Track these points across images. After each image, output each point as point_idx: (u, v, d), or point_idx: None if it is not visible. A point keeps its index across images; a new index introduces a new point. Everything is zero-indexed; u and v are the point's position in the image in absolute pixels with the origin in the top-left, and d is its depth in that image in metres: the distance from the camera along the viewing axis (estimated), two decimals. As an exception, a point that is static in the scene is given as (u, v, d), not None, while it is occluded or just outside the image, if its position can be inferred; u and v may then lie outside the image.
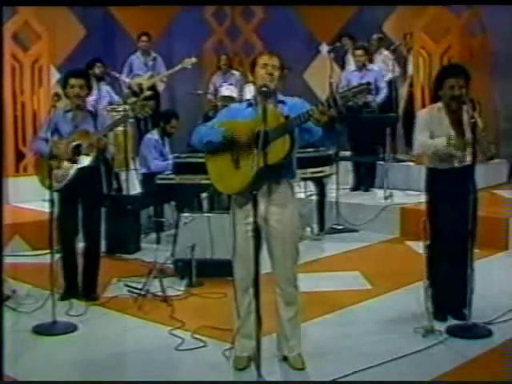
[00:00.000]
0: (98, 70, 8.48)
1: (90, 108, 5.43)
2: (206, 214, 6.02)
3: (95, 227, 5.46)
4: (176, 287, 5.60)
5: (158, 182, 7.03)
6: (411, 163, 8.53)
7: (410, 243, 6.80)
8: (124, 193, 7.49)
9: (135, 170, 7.96)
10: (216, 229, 5.67)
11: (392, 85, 9.38)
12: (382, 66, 9.59)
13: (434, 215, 4.71)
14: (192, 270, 5.68)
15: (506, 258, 6.46)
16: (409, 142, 8.70)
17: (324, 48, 11.02)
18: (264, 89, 3.78)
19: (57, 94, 8.11)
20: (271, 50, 4.06)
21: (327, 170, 7.25)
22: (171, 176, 6.91)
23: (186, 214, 5.93)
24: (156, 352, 4.32)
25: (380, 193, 8.18)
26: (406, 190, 8.09)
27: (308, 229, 7.52)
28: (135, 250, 6.93)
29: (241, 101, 7.84)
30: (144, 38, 9.65)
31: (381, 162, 8.49)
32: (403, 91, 9.65)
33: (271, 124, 3.64)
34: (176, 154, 7.03)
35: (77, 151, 5.18)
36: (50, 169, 4.83)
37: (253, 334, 3.78)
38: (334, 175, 7.56)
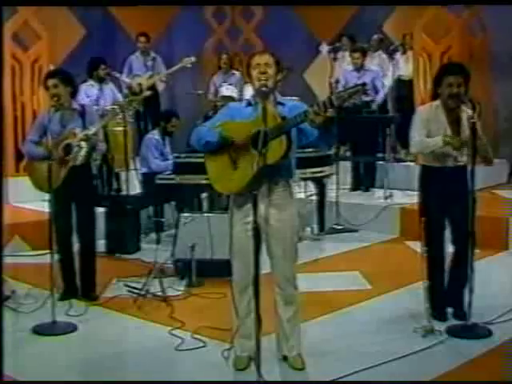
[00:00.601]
0: (102, 71, 8.49)
1: (77, 106, 5.35)
2: (205, 214, 6.02)
3: (89, 227, 5.43)
4: (176, 287, 5.60)
5: (158, 182, 7.03)
6: (411, 163, 8.54)
7: (409, 243, 6.80)
8: (124, 193, 7.49)
9: (135, 170, 7.96)
10: (216, 229, 5.66)
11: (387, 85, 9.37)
12: (378, 68, 9.61)
13: (427, 214, 4.70)
14: (192, 269, 5.68)
15: (506, 258, 6.47)
16: (402, 142, 8.76)
17: (324, 48, 11.03)
18: (263, 88, 3.79)
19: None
20: (264, 50, 4.07)
21: (327, 169, 7.25)
22: (171, 176, 6.91)
23: (186, 214, 5.93)
24: (156, 352, 4.32)
25: (380, 193, 8.19)
26: (405, 190, 8.08)
27: (308, 229, 7.52)
28: (135, 250, 6.93)
29: (241, 100, 7.84)
30: (142, 38, 9.64)
31: (381, 162, 8.50)
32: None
33: (269, 124, 3.65)
34: (176, 154, 7.03)
35: (67, 151, 5.17)
36: (50, 168, 4.81)
37: (252, 334, 3.78)
38: (333, 175, 7.56)
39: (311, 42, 11.42)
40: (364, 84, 3.75)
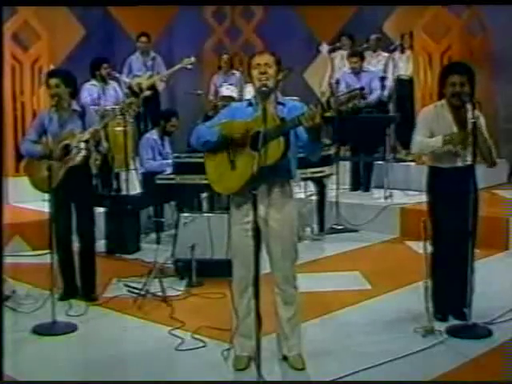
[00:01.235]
0: (104, 70, 8.49)
1: (77, 107, 5.35)
2: (205, 214, 6.02)
3: (88, 227, 5.43)
4: (176, 287, 5.60)
5: (158, 182, 7.03)
6: (411, 163, 8.54)
7: (409, 243, 6.80)
8: (124, 193, 7.49)
9: (135, 169, 7.96)
10: (216, 229, 5.66)
11: (385, 84, 9.36)
12: (379, 67, 9.61)
13: (435, 214, 4.70)
14: (192, 270, 5.68)
15: (506, 258, 6.47)
16: (402, 142, 8.76)
17: (324, 48, 11.02)
18: (263, 89, 3.79)
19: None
20: (265, 50, 4.07)
21: (327, 170, 7.25)
22: (171, 176, 6.92)
23: (186, 214, 5.93)
24: (156, 352, 4.32)
25: (380, 193, 8.18)
26: (405, 190, 8.09)
27: (308, 229, 7.52)
28: (135, 250, 6.93)
29: (241, 100, 7.84)
30: (143, 38, 9.64)
31: (381, 162, 8.50)
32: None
33: (268, 125, 3.65)
34: (176, 154, 7.02)
35: (66, 151, 5.17)
36: (50, 168, 4.81)
37: (252, 334, 3.78)
38: (333, 175, 7.56)
39: (311, 42, 11.41)
40: (362, 88, 3.77)
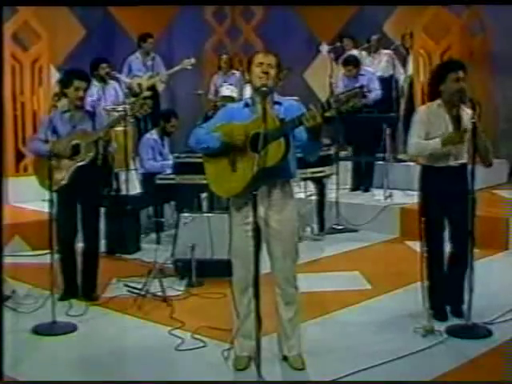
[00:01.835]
0: (102, 70, 8.48)
1: (89, 108, 5.41)
2: (205, 214, 6.02)
3: (94, 227, 5.46)
4: (176, 287, 5.60)
5: (158, 182, 7.04)
6: (411, 163, 8.53)
7: (409, 243, 6.79)
8: (124, 193, 7.49)
9: (135, 170, 7.96)
10: (216, 229, 5.67)
11: (393, 84, 9.37)
12: (386, 64, 9.60)
13: (428, 214, 4.69)
14: (192, 270, 5.68)
15: (506, 258, 6.46)
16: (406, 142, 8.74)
17: (324, 48, 10.99)
18: (263, 88, 3.77)
19: (57, 94, 8.11)
20: (268, 50, 4.07)
21: (327, 170, 7.25)
22: (171, 176, 6.92)
23: (186, 214, 5.93)
24: (156, 352, 4.32)
25: (380, 193, 8.18)
26: (405, 190, 8.08)
27: (308, 229, 7.52)
28: (135, 250, 6.93)
29: (241, 100, 7.84)
30: (151, 40, 9.56)
31: (381, 162, 8.49)
32: (404, 91, 9.65)
33: (268, 126, 3.63)
34: (176, 154, 7.03)
35: (75, 151, 5.19)
36: (50, 169, 4.82)
37: (252, 334, 3.78)
38: (334, 175, 7.56)
39: (311, 42, 11.40)
40: (361, 87, 3.77)
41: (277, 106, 3.89)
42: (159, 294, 5.34)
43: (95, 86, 8.40)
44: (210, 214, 5.99)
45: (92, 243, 5.45)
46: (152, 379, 3.95)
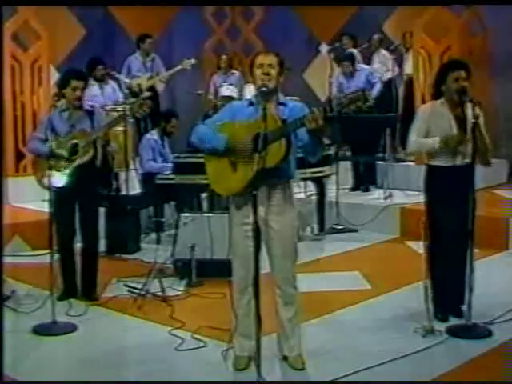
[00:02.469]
0: (98, 72, 8.48)
1: (88, 107, 5.40)
2: (205, 214, 6.02)
3: (92, 227, 5.45)
4: (176, 287, 5.60)
5: (158, 182, 7.04)
6: (411, 163, 8.53)
7: (410, 243, 6.80)
8: (124, 193, 7.50)
9: (135, 170, 7.95)
10: (216, 229, 5.67)
11: (392, 84, 9.39)
12: (380, 66, 9.63)
13: (433, 213, 4.69)
14: (192, 270, 5.68)
15: (506, 258, 6.46)
16: (404, 142, 8.74)
17: (324, 48, 11.02)
18: (263, 89, 3.79)
19: (56, 94, 8.11)
20: (268, 50, 4.07)
21: (327, 170, 7.25)
22: (171, 176, 6.91)
23: (186, 214, 5.93)
24: (156, 352, 4.32)
25: (380, 193, 8.18)
26: (405, 190, 8.08)
27: (308, 229, 7.52)
28: (135, 250, 6.93)
29: (241, 100, 7.84)
30: (149, 40, 9.57)
31: (381, 162, 8.49)
32: (400, 91, 9.66)
33: (269, 127, 3.64)
34: (176, 154, 7.03)
35: (74, 150, 5.18)
36: (49, 168, 4.82)
37: (252, 334, 3.78)
38: (333, 175, 7.56)
39: (311, 42, 11.42)
40: (364, 90, 3.78)
41: (281, 107, 3.89)
42: (159, 293, 5.34)
43: (93, 86, 8.38)
44: (210, 214, 5.99)
45: (91, 243, 5.44)
46: (152, 379, 3.95)
